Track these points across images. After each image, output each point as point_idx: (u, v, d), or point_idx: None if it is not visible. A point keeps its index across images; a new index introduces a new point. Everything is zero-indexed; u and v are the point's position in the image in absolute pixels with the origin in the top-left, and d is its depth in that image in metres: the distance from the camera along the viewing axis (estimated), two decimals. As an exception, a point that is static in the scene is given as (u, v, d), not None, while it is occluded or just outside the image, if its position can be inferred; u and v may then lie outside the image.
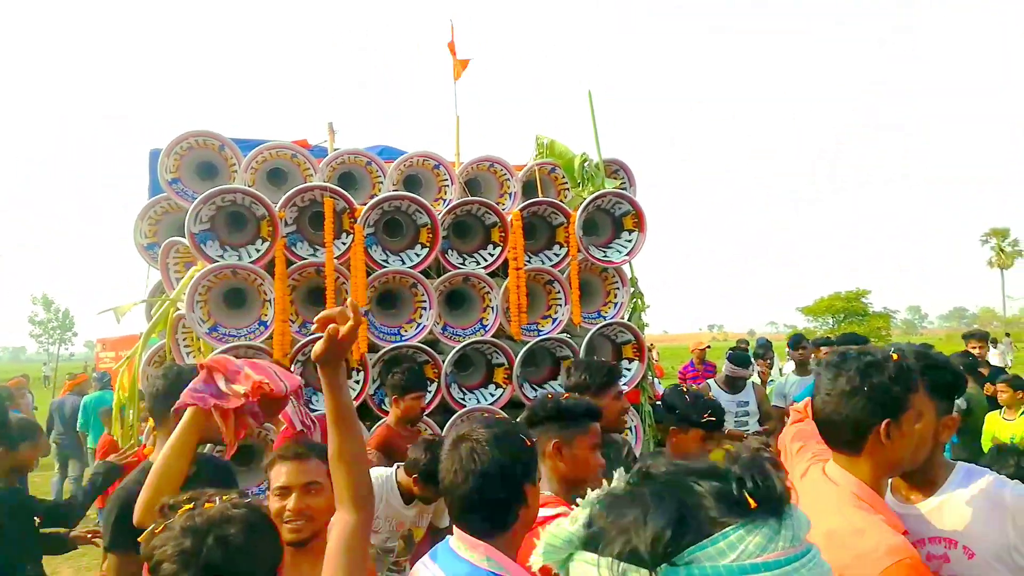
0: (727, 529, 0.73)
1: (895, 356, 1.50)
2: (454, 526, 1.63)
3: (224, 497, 1.37)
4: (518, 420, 2.22)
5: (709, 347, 8.84)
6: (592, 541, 0.88)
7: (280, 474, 2.03)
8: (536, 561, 0.97)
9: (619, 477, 0.93)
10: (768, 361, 8.47)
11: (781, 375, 8.60)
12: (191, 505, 1.32)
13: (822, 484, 1.57)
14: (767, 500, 0.76)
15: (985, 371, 5.90)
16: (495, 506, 1.56)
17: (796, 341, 6.75)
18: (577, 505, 0.95)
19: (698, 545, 0.73)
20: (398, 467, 3.22)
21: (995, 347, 14.93)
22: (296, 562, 1.90)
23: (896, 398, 1.47)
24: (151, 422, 3.84)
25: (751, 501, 0.75)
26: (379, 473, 3.15)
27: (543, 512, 1.96)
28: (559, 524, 0.94)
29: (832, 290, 36.99)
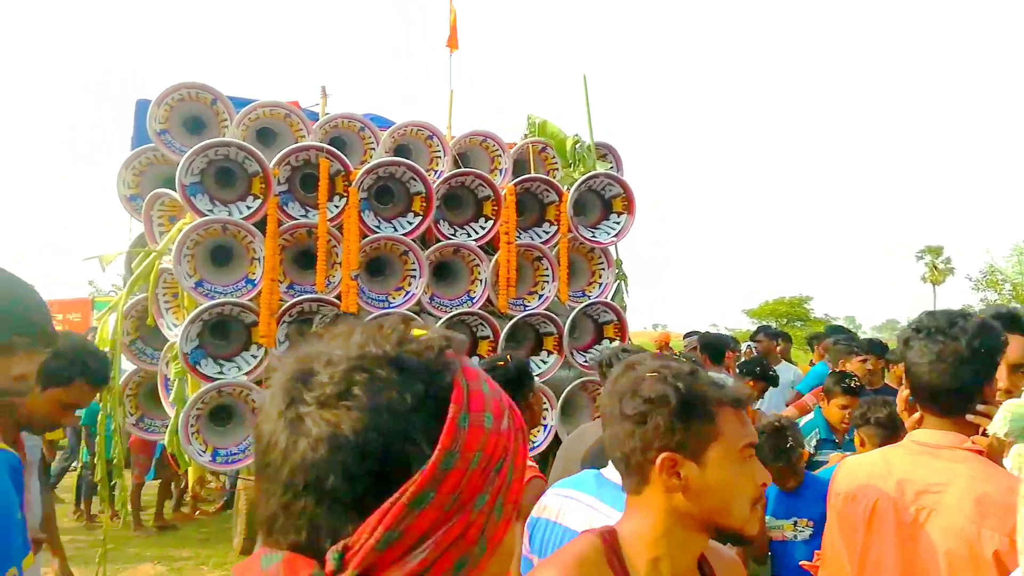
0: None
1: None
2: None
3: None
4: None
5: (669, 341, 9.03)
6: None
7: None
8: (1001, 430, 1.11)
9: None
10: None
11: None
12: None
13: (931, 454, 1.44)
14: None
15: None
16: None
17: (756, 333, 6.80)
18: None
19: None
20: None
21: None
22: None
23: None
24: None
25: None
26: None
27: None
28: (1017, 401, 1.11)
29: (775, 295, 37.97)
